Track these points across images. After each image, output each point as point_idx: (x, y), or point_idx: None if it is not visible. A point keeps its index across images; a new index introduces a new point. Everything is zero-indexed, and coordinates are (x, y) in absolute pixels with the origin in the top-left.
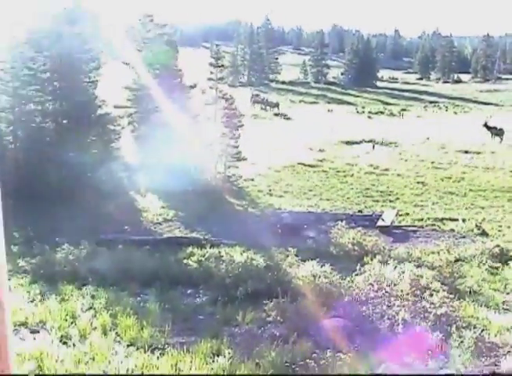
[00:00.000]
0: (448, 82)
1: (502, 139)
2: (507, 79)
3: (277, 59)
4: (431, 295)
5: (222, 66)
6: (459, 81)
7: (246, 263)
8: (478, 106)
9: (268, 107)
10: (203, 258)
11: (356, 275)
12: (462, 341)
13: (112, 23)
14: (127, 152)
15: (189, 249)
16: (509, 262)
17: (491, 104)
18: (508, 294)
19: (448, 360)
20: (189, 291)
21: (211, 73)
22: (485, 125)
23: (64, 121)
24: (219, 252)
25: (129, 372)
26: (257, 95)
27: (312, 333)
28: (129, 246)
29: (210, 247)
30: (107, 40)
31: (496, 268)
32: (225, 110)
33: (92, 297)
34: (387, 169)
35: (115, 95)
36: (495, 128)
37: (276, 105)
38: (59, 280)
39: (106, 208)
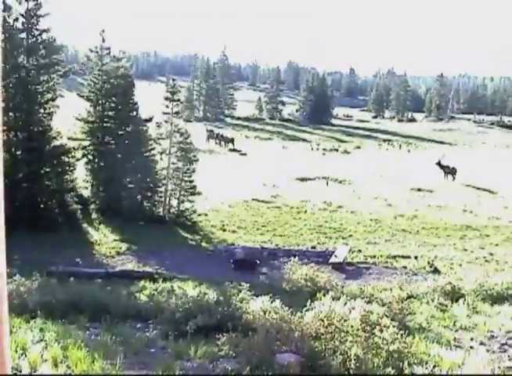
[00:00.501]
0: (402, 121)
1: (454, 178)
2: (460, 119)
3: (233, 94)
4: (381, 331)
5: (178, 100)
6: (413, 120)
7: (198, 297)
8: (432, 144)
9: (223, 143)
10: (155, 292)
11: (307, 310)
12: None
13: (68, 54)
14: (80, 184)
15: (142, 283)
16: (459, 300)
17: (444, 143)
18: (457, 331)
19: None
20: (139, 325)
21: (167, 107)
22: (439, 164)
23: (18, 152)
24: (171, 286)
25: None
26: (212, 131)
27: (265, 367)
28: (81, 279)
29: (163, 281)
30: (63, 71)
31: (445, 305)
32: (179, 144)
33: (41, 330)
34: (340, 206)
35: (70, 127)
36: (448, 166)
37: (231, 140)
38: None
39: (58, 240)
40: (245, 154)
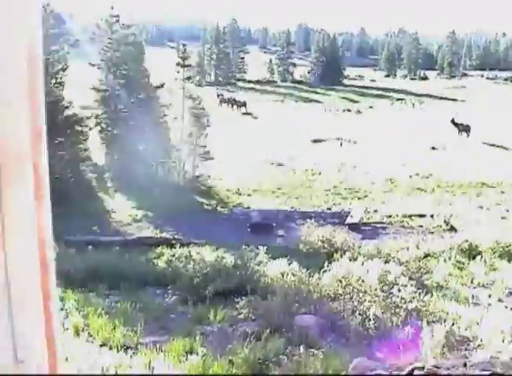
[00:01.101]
0: (414, 79)
1: (468, 135)
2: (473, 75)
3: (243, 58)
4: (399, 291)
5: (189, 65)
6: (425, 78)
7: (216, 262)
8: (445, 102)
9: (235, 106)
10: (172, 258)
11: (324, 272)
12: (433, 336)
13: (77, 23)
14: (95, 153)
15: (159, 249)
16: (476, 257)
17: (457, 100)
18: (475, 288)
19: (419, 354)
20: (158, 291)
21: (178, 72)
22: (452, 122)
23: None
24: (189, 252)
25: (104, 371)
26: (223, 95)
27: (284, 330)
28: (98, 247)
29: (180, 247)
30: (73, 41)
31: (463, 263)
32: (192, 109)
33: (61, 299)
34: (355, 166)
35: (82, 96)
36: (461, 124)
37: (243, 104)
38: None
39: (74, 209)
40: (257, 117)
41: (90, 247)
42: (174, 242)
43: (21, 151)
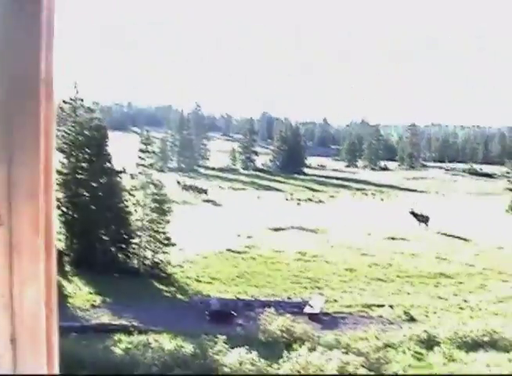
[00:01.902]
0: (375, 169)
1: (427, 226)
2: (433, 167)
3: (206, 145)
4: None
5: (152, 152)
6: (385, 169)
7: (175, 351)
8: (405, 193)
9: (197, 193)
10: (130, 346)
11: (283, 362)
12: None
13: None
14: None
15: (117, 336)
16: (434, 348)
17: (417, 191)
18: None
19: None
20: None
21: (141, 158)
22: (412, 213)
23: None
24: (147, 339)
25: None
26: (185, 182)
27: None
28: None
29: (139, 334)
30: None
31: (421, 354)
32: (153, 195)
33: None
34: (315, 256)
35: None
36: (421, 215)
37: (205, 191)
38: None
39: None
40: (219, 205)
41: None
42: (132, 329)
43: None
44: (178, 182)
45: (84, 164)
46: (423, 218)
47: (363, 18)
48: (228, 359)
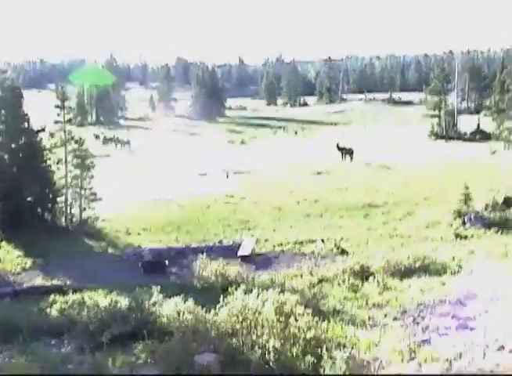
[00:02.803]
0: (295, 106)
1: (352, 158)
2: (351, 99)
3: (124, 96)
4: (296, 320)
5: (69, 107)
6: (305, 105)
7: (110, 306)
8: (326, 127)
9: (119, 145)
10: (66, 306)
11: (221, 307)
12: (334, 362)
13: None
14: None
15: (51, 297)
16: (369, 278)
17: (338, 124)
18: (370, 309)
19: None
20: (53, 342)
21: (58, 115)
22: (337, 146)
23: None
24: (82, 298)
25: None
26: (105, 135)
27: (185, 370)
28: None
29: (73, 293)
30: None
31: (357, 285)
32: (75, 151)
33: None
34: (243, 197)
35: None
36: (344, 148)
37: (127, 142)
38: None
39: None
40: (142, 154)
41: None
42: (66, 289)
43: None
44: (97, 136)
45: (0, 127)
46: (347, 151)
47: None
48: (165, 309)
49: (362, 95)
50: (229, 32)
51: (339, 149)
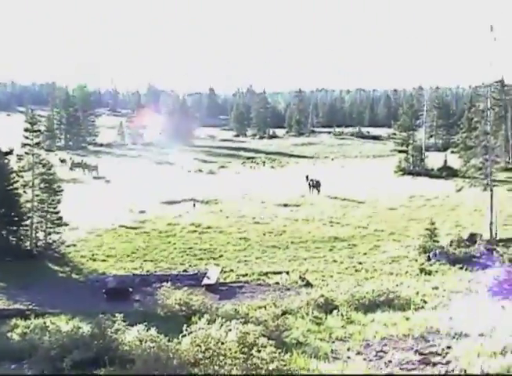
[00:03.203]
0: (264, 138)
1: (319, 191)
2: (321, 132)
3: (94, 121)
4: (259, 351)
5: (38, 131)
6: (274, 136)
7: (73, 332)
8: (295, 159)
9: (86, 171)
10: (27, 330)
11: (183, 336)
12: None
13: None
14: None
15: (13, 321)
16: (333, 311)
17: (306, 157)
18: (333, 342)
19: None
20: (13, 366)
21: (27, 138)
22: (306, 178)
23: None
24: (44, 322)
25: None
26: (73, 160)
27: None
28: None
29: (35, 318)
30: None
31: (320, 318)
32: (42, 175)
33: None
34: (209, 227)
35: None
36: (311, 180)
37: (95, 168)
38: None
39: None
40: (109, 181)
41: None
42: (28, 313)
43: None
44: (62, 160)
45: None
46: (314, 184)
47: None
48: (128, 336)
49: (330, 129)
50: (201, 61)
51: (307, 180)
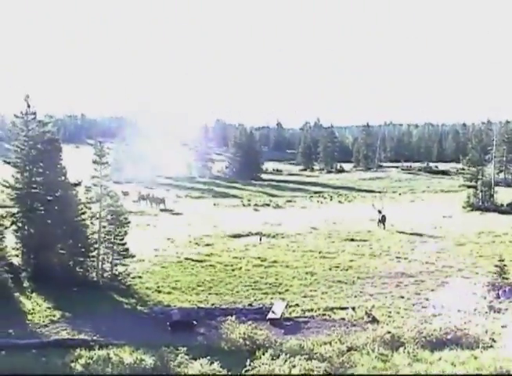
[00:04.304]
0: (331, 172)
1: (385, 226)
2: (388, 167)
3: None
4: None
5: (106, 163)
6: (341, 171)
7: (135, 364)
8: (362, 194)
9: (153, 203)
10: (90, 361)
11: (247, 371)
12: None
13: None
14: (11, 252)
15: (77, 351)
16: (399, 348)
17: (374, 192)
18: None
19: None
20: None
21: (95, 170)
22: (379, 212)
23: None
24: (107, 354)
25: None
26: (140, 192)
27: None
28: (14, 351)
29: (99, 349)
30: None
31: (386, 355)
32: (109, 207)
33: None
34: (275, 261)
35: None
36: (379, 214)
37: (162, 200)
38: None
39: None
40: (177, 213)
41: (3, 351)
42: (92, 344)
43: None
44: (125, 193)
45: (38, 179)
46: (381, 218)
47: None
48: (190, 370)
49: (398, 164)
50: (268, 95)
51: (380, 214)
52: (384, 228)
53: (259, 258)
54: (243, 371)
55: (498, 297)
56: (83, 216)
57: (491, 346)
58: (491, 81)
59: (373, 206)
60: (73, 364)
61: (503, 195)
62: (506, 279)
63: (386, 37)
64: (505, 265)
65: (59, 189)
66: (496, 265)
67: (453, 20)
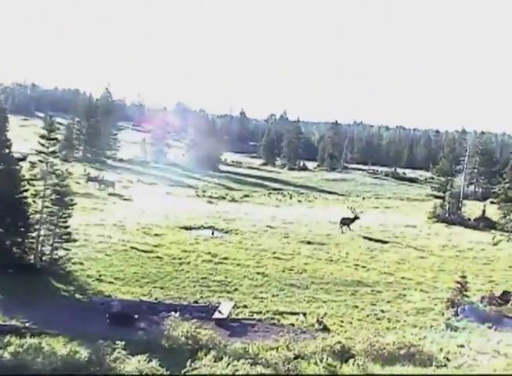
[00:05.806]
0: (293, 169)
1: (351, 229)
2: (354, 169)
3: (116, 134)
4: None
5: (55, 139)
6: (305, 169)
7: (68, 356)
8: (324, 195)
9: (103, 186)
10: (20, 349)
11: (186, 372)
12: None
13: None
14: None
15: (7, 338)
16: (348, 360)
17: (336, 194)
18: None
19: None
20: None
21: (43, 145)
22: (356, 217)
23: None
24: (39, 343)
25: None
26: (89, 173)
27: None
28: None
29: (31, 337)
30: None
31: (334, 366)
32: (55, 186)
33: None
34: (226, 258)
35: None
36: (348, 218)
37: (112, 184)
38: None
39: None
40: (127, 199)
41: None
42: (24, 331)
43: None
44: (87, 173)
45: None
46: (347, 222)
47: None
48: (127, 366)
49: (365, 166)
50: (234, 82)
51: (354, 213)
52: (351, 230)
53: (209, 253)
54: (182, 372)
55: (456, 314)
56: (25, 194)
57: (445, 365)
58: (468, 90)
59: (351, 209)
60: (0, 351)
61: (471, 209)
62: (467, 297)
63: (364, 36)
64: (467, 282)
65: (1, 163)
66: (457, 282)
67: (434, 24)
